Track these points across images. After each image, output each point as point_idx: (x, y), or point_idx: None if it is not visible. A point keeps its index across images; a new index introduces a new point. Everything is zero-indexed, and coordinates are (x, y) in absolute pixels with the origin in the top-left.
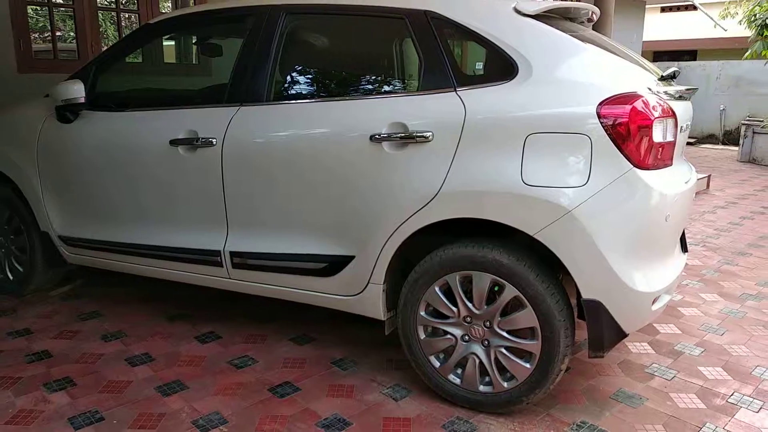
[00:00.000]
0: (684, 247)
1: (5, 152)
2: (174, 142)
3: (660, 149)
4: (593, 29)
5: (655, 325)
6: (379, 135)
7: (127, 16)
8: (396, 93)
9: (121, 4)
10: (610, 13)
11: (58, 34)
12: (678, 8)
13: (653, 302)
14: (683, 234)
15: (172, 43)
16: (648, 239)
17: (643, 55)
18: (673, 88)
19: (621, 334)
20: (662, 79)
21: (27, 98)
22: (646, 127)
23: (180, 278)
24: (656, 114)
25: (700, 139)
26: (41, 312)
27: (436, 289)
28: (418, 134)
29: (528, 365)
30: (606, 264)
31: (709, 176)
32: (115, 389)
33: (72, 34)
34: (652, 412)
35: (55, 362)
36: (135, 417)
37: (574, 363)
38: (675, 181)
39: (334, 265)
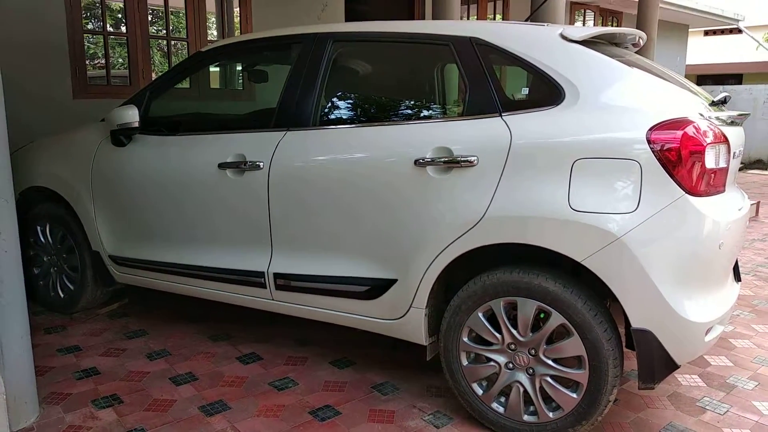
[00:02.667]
0: (737, 277)
1: (62, 174)
2: (222, 166)
3: (712, 175)
4: (637, 53)
5: (706, 357)
6: (423, 159)
7: (174, 43)
8: (440, 118)
9: (170, 33)
10: (653, 37)
11: (109, 61)
12: (722, 31)
13: (706, 333)
14: (736, 263)
15: (218, 69)
16: (701, 268)
17: (687, 78)
18: (725, 114)
19: (672, 366)
20: (713, 104)
21: (82, 122)
22: (699, 152)
23: (224, 299)
24: (708, 140)
25: (747, 164)
26: (90, 329)
27: (480, 314)
28: (463, 159)
29: (575, 395)
30: (657, 292)
31: (758, 203)
32: (161, 407)
33: (121, 60)
34: None
35: (103, 379)
36: None
37: (622, 395)
38: (728, 208)
39: (376, 288)
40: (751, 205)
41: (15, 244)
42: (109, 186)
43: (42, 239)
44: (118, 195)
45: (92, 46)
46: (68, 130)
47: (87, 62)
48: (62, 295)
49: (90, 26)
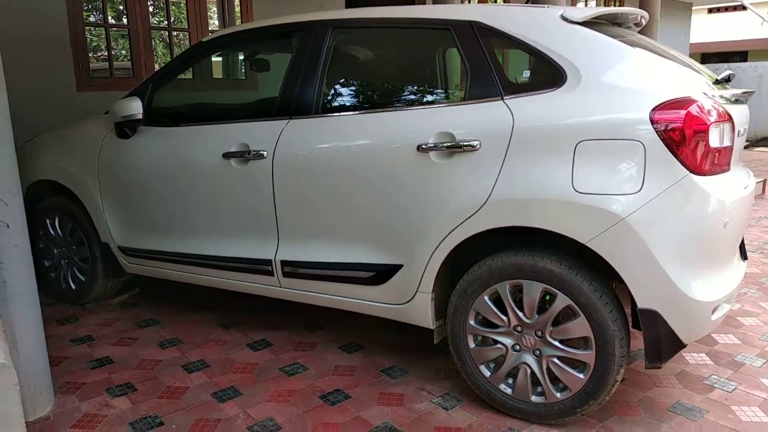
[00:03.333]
0: (743, 255)
1: (68, 167)
2: (226, 155)
3: (717, 154)
4: (640, 33)
5: (713, 335)
6: (426, 145)
7: (176, 34)
8: (442, 103)
9: (171, 23)
10: (656, 16)
11: (111, 53)
12: (726, 9)
13: (713, 312)
14: (742, 241)
15: (220, 59)
16: (706, 247)
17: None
18: (729, 92)
19: (679, 345)
20: (717, 82)
21: (87, 115)
22: (702, 132)
23: (233, 287)
24: (712, 118)
25: (753, 142)
26: (102, 320)
27: (486, 298)
28: (466, 143)
29: (582, 375)
30: (663, 272)
31: (765, 180)
32: (174, 395)
33: (124, 52)
34: (712, 426)
35: (116, 368)
36: (193, 422)
37: (630, 374)
38: (733, 186)
39: (382, 273)
40: (757, 183)
41: (24, 237)
42: (116, 178)
43: (52, 232)
44: (125, 187)
45: (94, 38)
46: (73, 123)
47: (90, 55)
48: (73, 287)
49: (91, 18)
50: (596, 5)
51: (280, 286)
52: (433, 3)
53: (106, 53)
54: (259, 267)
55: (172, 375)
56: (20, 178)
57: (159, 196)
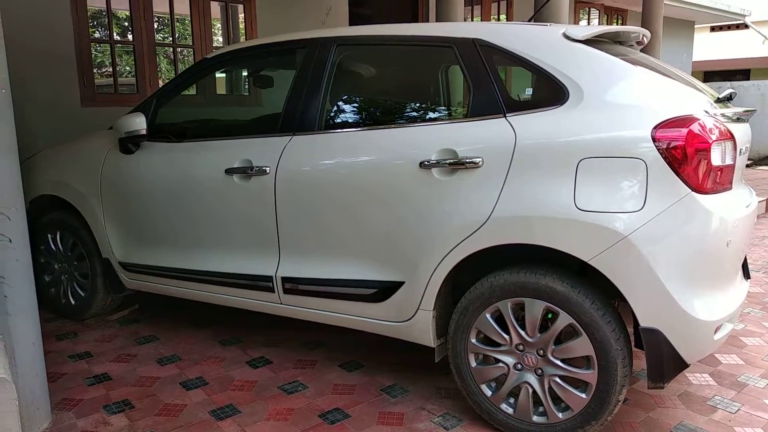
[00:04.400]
0: (746, 274)
1: (71, 182)
2: (229, 171)
3: (719, 173)
4: (642, 51)
5: (716, 355)
6: (429, 161)
7: (180, 50)
8: (445, 119)
9: (176, 40)
10: (658, 34)
11: (116, 69)
12: (728, 27)
13: (715, 331)
14: (745, 260)
15: (224, 75)
16: (709, 266)
17: (694, 75)
18: (731, 110)
19: (682, 365)
20: (718, 101)
21: (91, 130)
22: (704, 150)
23: (233, 303)
24: (714, 137)
25: (756, 161)
26: (101, 335)
27: (487, 316)
28: (468, 160)
29: (584, 395)
30: (665, 291)
31: (767, 199)
32: (172, 412)
33: (128, 68)
34: None
35: (114, 385)
36: None
37: (632, 394)
38: (735, 205)
39: (384, 290)
40: (760, 202)
41: (26, 252)
42: (118, 193)
43: (53, 247)
44: (127, 202)
45: (99, 54)
46: (77, 138)
47: (94, 70)
48: (73, 302)
49: (97, 35)
50: (598, 24)
51: (281, 303)
52: (436, 21)
53: (111, 69)
54: (260, 283)
55: (171, 392)
56: (23, 192)
57: (161, 212)
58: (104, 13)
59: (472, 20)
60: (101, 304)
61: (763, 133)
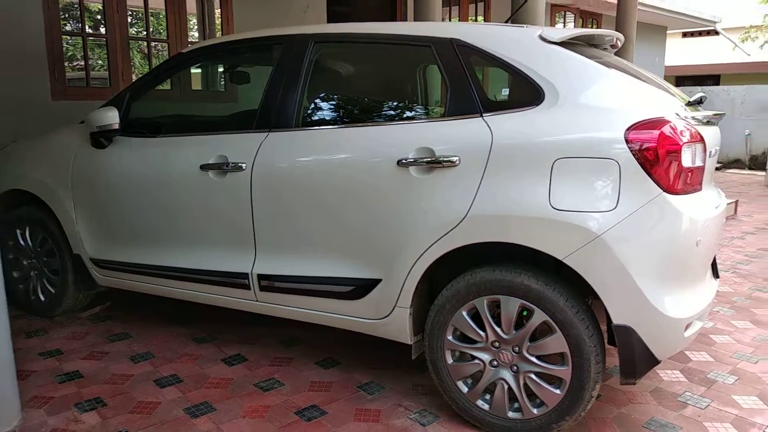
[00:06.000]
0: (716, 274)
1: (41, 176)
2: (205, 167)
3: (689, 174)
4: (616, 54)
5: (687, 352)
6: (406, 160)
7: (154, 45)
8: (422, 118)
9: (150, 34)
10: (632, 38)
11: (88, 62)
12: (700, 33)
13: (686, 328)
14: (714, 260)
15: (199, 70)
16: (679, 264)
17: (666, 79)
18: (701, 114)
19: (653, 361)
20: (689, 104)
21: (62, 124)
22: (675, 152)
23: (208, 300)
24: (685, 139)
25: (726, 164)
26: (72, 333)
27: (464, 313)
28: (445, 159)
29: (558, 391)
30: (637, 289)
31: (736, 201)
32: (145, 410)
33: (100, 62)
34: None
35: (86, 383)
36: None
37: (605, 390)
38: (705, 206)
39: (360, 288)
40: (729, 203)
41: None
42: (90, 188)
43: (22, 242)
44: (99, 197)
45: (71, 47)
46: (47, 132)
47: (66, 64)
48: (43, 299)
49: (68, 27)
50: (574, 26)
51: (257, 300)
52: (415, 20)
53: (83, 63)
54: (236, 280)
55: (144, 390)
56: None
57: (134, 208)
58: (76, 6)
59: (450, 21)
60: (72, 301)
61: (732, 136)
